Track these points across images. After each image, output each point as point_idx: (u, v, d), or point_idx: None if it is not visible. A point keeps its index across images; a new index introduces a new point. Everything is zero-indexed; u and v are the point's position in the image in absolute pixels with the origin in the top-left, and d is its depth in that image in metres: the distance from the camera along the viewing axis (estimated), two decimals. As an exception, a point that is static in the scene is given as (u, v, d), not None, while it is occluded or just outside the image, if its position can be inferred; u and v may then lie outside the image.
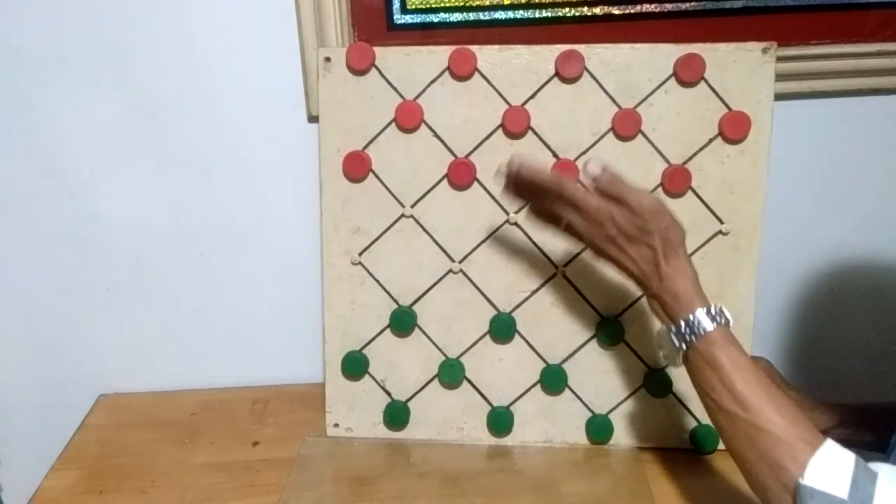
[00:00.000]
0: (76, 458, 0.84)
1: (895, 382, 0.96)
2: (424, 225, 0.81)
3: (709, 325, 0.59)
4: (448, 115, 0.78)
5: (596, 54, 0.76)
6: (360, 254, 0.82)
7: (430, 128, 0.79)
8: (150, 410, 0.92)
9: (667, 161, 0.78)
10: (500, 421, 0.83)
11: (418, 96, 0.78)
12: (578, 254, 0.80)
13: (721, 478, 0.77)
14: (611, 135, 0.77)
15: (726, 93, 0.76)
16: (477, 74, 0.77)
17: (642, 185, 0.77)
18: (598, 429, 0.82)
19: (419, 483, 0.78)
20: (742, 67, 0.75)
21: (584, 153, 0.78)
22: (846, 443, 0.75)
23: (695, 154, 0.78)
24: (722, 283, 0.79)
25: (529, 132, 0.78)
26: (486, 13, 0.80)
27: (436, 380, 0.84)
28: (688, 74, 0.75)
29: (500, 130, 0.78)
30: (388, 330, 0.83)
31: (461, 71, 0.77)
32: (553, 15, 0.80)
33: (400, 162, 0.80)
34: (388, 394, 0.85)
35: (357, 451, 0.84)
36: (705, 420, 0.81)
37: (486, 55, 0.77)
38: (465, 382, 0.84)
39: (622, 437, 0.83)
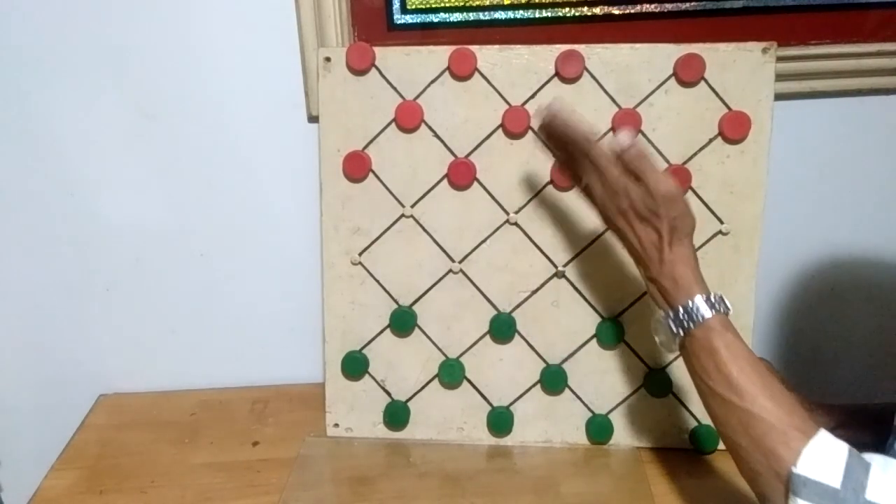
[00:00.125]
0: (76, 458, 0.84)
1: (895, 383, 0.96)
2: (424, 225, 0.81)
3: (707, 312, 0.59)
4: (448, 115, 0.78)
5: (596, 54, 0.76)
6: (360, 254, 0.82)
7: (430, 128, 0.79)
8: (150, 410, 0.92)
9: (667, 161, 0.78)
10: (500, 421, 0.83)
11: (418, 96, 0.78)
12: (578, 254, 0.80)
13: (721, 478, 0.77)
14: (611, 135, 0.77)
15: (726, 93, 0.76)
16: (477, 74, 0.77)
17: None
18: (598, 429, 0.82)
19: (419, 483, 0.78)
20: (742, 67, 0.75)
21: (584, 153, 0.78)
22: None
23: (695, 154, 0.78)
24: (722, 283, 0.79)
25: (529, 132, 0.78)
26: (486, 13, 0.80)
27: (436, 380, 0.84)
28: (688, 74, 0.75)
29: (500, 130, 0.78)
30: (388, 330, 0.83)
31: (461, 71, 0.77)
32: (553, 15, 0.80)
33: (400, 162, 0.80)
34: (388, 394, 0.85)
35: (357, 451, 0.84)
36: (705, 420, 0.81)
37: (486, 55, 0.77)
38: (465, 382, 0.84)
39: (622, 437, 0.83)
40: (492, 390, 0.84)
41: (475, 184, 0.80)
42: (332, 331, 0.84)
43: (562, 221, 0.80)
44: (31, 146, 0.85)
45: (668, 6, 0.80)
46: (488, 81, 0.77)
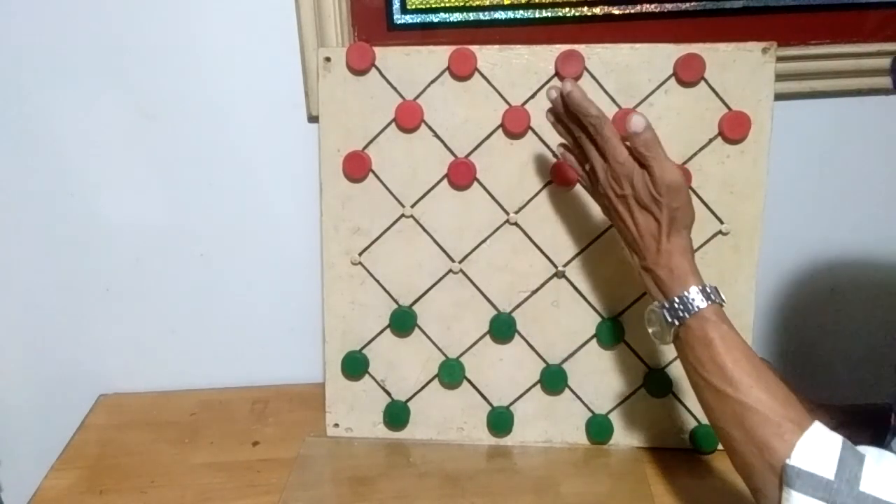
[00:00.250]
0: (76, 458, 0.84)
1: (895, 383, 0.96)
2: (424, 225, 0.81)
3: (702, 303, 0.58)
4: (448, 115, 0.78)
5: (596, 54, 0.76)
6: (360, 254, 0.82)
7: (430, 128, 0.79)
8: (150, 410, 0.92)
9: (667, 161, 0.78)
10: (500, 421, 0.83)
11: (418, 96, 0.78)
12: (578, 254, 0.80)
13: (721, 478, 0.77)
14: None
15: (726, 93, 0.76)
16: (477, 74, 0.77)
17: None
18: (598, 429, 0.82)
19: (419, 483, 0.78)
20: (742, 67, 0.75)
21: (584, 153, 0.78)
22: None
23: (695, 154, 0.78)
24: (722, 283, 0.77)
25: (529, 132, 0.78)
26: (486, 13, 0.80)
27: (436, 380, 0.84)
28: (688, 74, 0.75)
29: (500, 130, 0.78)
30: (388, 330, 0.83)
31: (461, 71, 0.77)
32: (553, 15, 0.80)
33: (400, 162, 0.80)
34: (388, 394, 0.85)
35: (357, 451, 0.84)
36: (705, 420, 0.81)
37: (486, 55, 0.77)
38: (465, 382, 0.83)
39: (622, 437, 0.83)
40: (492, 390, 0.84)
41: (475, 184, 0.80)
42: (332, 331, 0.84)
43: (562, 221, 0.80)
44: (31, 146, 0.85)
45: (668, 6, 0.80)
46: (488, 81, 0.77)
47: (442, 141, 0.79)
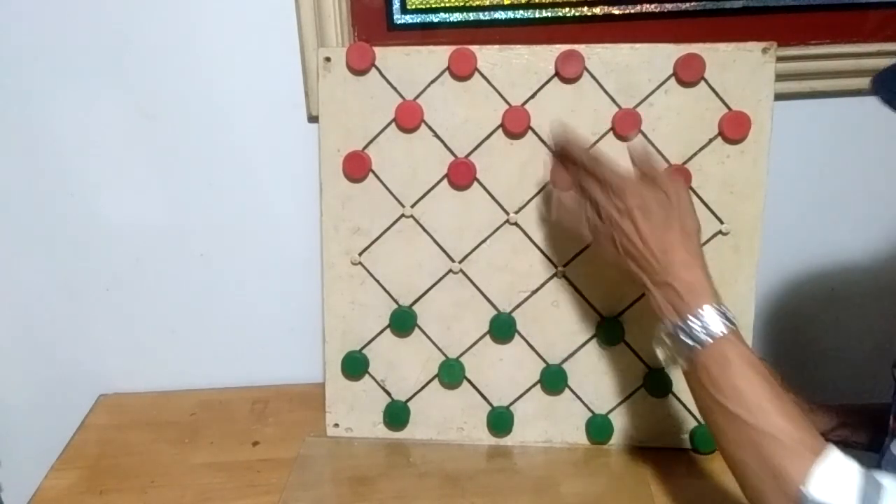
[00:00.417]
0: (76, 458, 0.84)
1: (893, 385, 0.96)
2: (424, 225, 0.81)
3: (720, 324, 0.56)
4: (448, 115, 0.78)
5: (596, 54, 0.76)
6: (360, 254, 0.82)
7: (430, 128, 0.79)
8: (150, 410, 0.92)
9: (667, 161, 0.78)
10: (500, 421, 0.83)
11: (418, 96, 0.78)
12: (578, 254, 0.80)
13: (721, 478, 0.77)
14: (611, 135, 0.77)
15: (726, 93, 0.76)
16: (477, 74, 0.77)
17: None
18: (598, 429, 0.82)
19: (419, 483, 0.78)
20: (742, 67, 0.75)
21: (584, 153, 0.78)
22: (844, 444, 0.75)
23: (695, 154, 0.78)
24: (722, 283, 0.78)
25: (529, 132, 0.78)
26: (486, 13, 0.80)
27: (436, 380, 0.84)
28: (688, 74, 0.75)
29: (500, 130, 0.78)
30: (388, 330, 0.83)
31: (461, 71, 0.77)
32: (553, 15, 0.80)
33: (400, 162, 0.80)
34: (388, 394, 0.85)
35: (357, 451, 0.84)
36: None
37: (486, 55, 0.77)
38: (465, 382, 0.83)
39: (622, 437, 0.83)
40: (492, 390, 0.84)
41: (475, 184, 0.80)
42: (332, 331, 0.84)
43: (562, 221, 0.80)
44: (31, 146, 0.85)
45: (668, 6, 0.80)
46: (488, 81, 0.77)
47: (442, 141, 0.79)
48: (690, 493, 0.76)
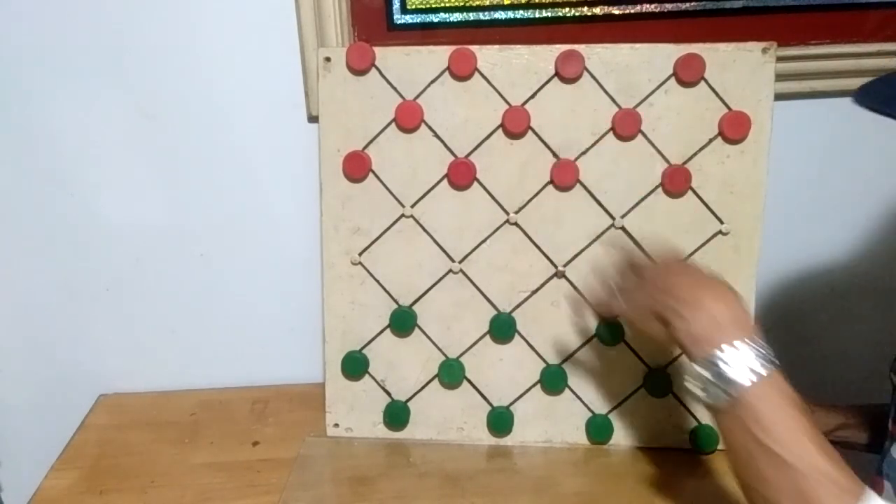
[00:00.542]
0: (76, 458, 0.84)
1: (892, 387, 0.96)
2: (424, 225, 0.81)
3: (765, 360, 0.55)
4: (448, 115, 0.78)
5: (596, 54, 0.76)
6: (360, 254, 0.82)
7: (430, 128, 0.79)
8: (150, 410, 0.92)
9: (667, 161, 0.78)
10: (500, 421, 0.83)
11: (418, 96, 0.78)
12: (578, 254, 0.80)
13: (721, 478, 0.77)
14: (611, 135, 0.77)
15: (726, 93, 0.76)
16: (477, 74, 0.77)
17: (642, 185, 0.78)
18: (598, 429, 0.82)
19: (419, 483, 0.78)
20: (742, 67, 0.75)
21: (584, 153, 0.78)
22: (844, 445, 0.75)
23: (695, 154, 0.78)
24: None
25: (529, 132, 0.78)
26: (486, 13, 0.80)
27: (436, 380, 0.84)
28: (688, 74, 0.75)
29: (500, 130, 0.78)
30: (388, 330, 0.83)
31: (461, 71, 0.77)
32: (553, 15, 0.80)
33: (400, 162, 0.80)
34: (388, 394, 0.85)
35: (357, 451, 0.84)
36: (705, 420, 0.81)
37: (486, 55, 0.77)
38: (465, 382, 0.83)
39: (622, 437, 0.83)
40: (492, 390, 0.84)
41: (475, 184, 0.80)
42: (332, 331, 0.84)
43: (562, 221, 0.80)
44: (31, 146, 0.84)
45: (668, 6, 0.80)
46: (488, 81, 0.77)
47: (442, 141, 0.79)
48: (690, 493, 0.76)
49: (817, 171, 0.88)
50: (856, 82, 0.82)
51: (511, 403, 0.84)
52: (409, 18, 0.80)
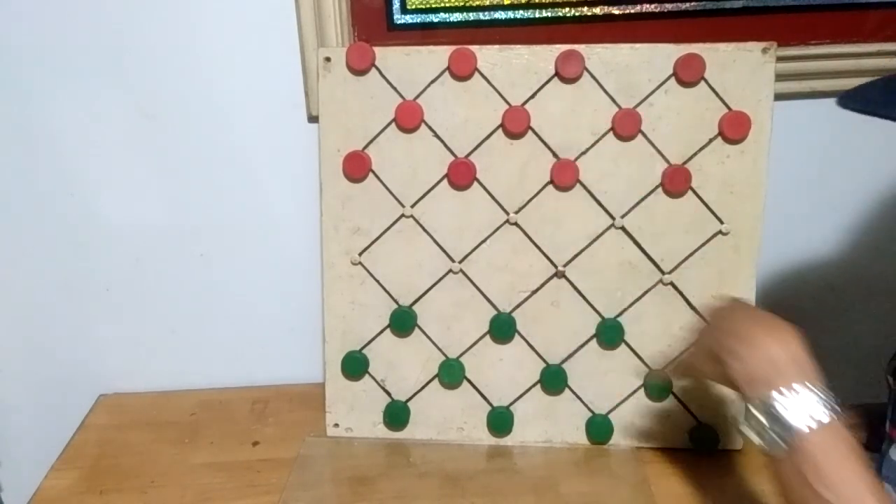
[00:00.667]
0: (76, 458, 0.84)
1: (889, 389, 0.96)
2: (424, 225, 0.81)
3: (827, 406, 0.53)
4: (448, 115, 0.78)
5: (596, 54, 0.76)
6: (360, 254, 0.82)
7: (430, 128, 0.79)
8: (150, 410, 0.92)
9: (667, 161, 0.78)
10: (500, 421, 0.83)
11: (418, 96, 0.78)
12: (578, 254, 0.80)
13: (721, 478, 0.77)
14: (611, 135, 0.77)
15: (726, 93, 0.76)
16: (477, 74, 0.77)
17: (642, 185, 0.78)
18: (598, 429, 0.82)
19: (419, 483, 0.78)
20: (742, 67, 0.75)
21: (584, 153, 0.78)
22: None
23: (695, 154, 0.78)
24: (722, 283, 0.79)
25: (529, 132, 0.78)
26: (486, 13, 0.80)
27: (436, 380, 0.84)
28: (688, 74, 0.75)
29: (500, 130, 0.78)
30: (388, 330, 0.83)
31: (461, 71, 0.77)
32: (553, 15, 0.80)
33: (400, 162, 0.80)
34: (388, 394, 0.85)
35: (357, 451, 0.84)
36: (705, 420, 0.81)
37: (486, 55, 0.77)
38: (465, 382, 0.83)
39: (622, 437, 0.83)
40: (492, 390, 0.84)
41: (475, 184, 0.80)
42: (332, 331, 0.84)
43: (562, 221, 0.80)
44: (31, 146, 0.84)
45: (668, 6, 0.80)
46: (488, 81, 0.77)
47: (442, 141, 0.79)
48: (690, 493, 0.76)
49: (817, 171, 0.88)
50: (856, 82, 0.82)
51: (511, 403, 0.84)
52: (409, 18, 0.80)
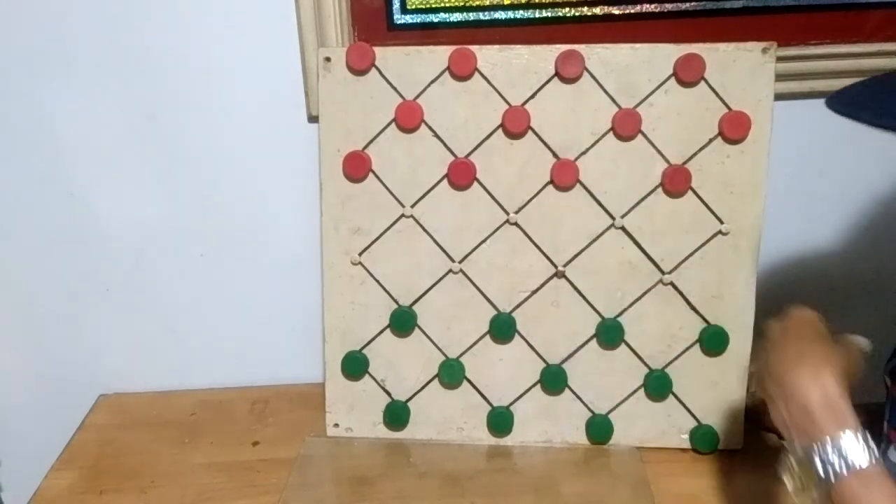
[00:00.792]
0: (76, 458, 0.84)
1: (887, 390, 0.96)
2: (424, 225, 0.81)
3: (866, 451, 0.52)
4: (448, 115, 0.78)
5: (596, 54, 0.76)
6: (360, 254, 0.82)
7: (430, 128, 0.79)
8: (150, 410, 0.92)
9: (667, 161, 0.78)
10: (500, 421, 0.83)
11: (418, 96, 0.78)
12: (578, 254, 0.80)
13: (721, 478, 0.77)
14: (611, 135, 0.77)
15: (726, 93, 0.76)
16: (477, 74, 0.77)
17: (642, 185, 0.78)
18: (598, 429, 0.82)
19: (419, 483, 0.78)
20: (742, 67, 0.75)
21: (584, 153, 0.78)
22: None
23: (695, 154, 0.78)
24: (722, 283, 0.79)
25: (529, 132, 0.78)
26: (486, 13, 0.80)
27: (436, 380, 0.84)
28: (688, 74, 0.75)
29: (500, 130, 0.78)
30: (388, 330, 0.83)
31: (461, 71, 0.77)
32: (553, 15, 0.80)
33: (400, 162, 0.80)
34: (388, 394, 0.85)
35: (357, 451, 0.84)
36: (705, 420, 0.81)
37: (486, 55, 0.77)
38: (465, 382, 0.83)
39: (622, 437, 0.83)
40: (492, 390, 0.84)
41: (475, 184, 0.80)
42: (332, 331, 0.84)
43: (562, 221, 0.80)
44: (32, 146, 0.85)
45: (668, 6, 0.80)
46: (488, 81, 0.77)
47: (442, 141, 0.79)
48: (690, 493, 0.76)
49: (817, 171, 0.88)
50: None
51: (511, 403, 0.84)
52: (409, 18, 0.80)
